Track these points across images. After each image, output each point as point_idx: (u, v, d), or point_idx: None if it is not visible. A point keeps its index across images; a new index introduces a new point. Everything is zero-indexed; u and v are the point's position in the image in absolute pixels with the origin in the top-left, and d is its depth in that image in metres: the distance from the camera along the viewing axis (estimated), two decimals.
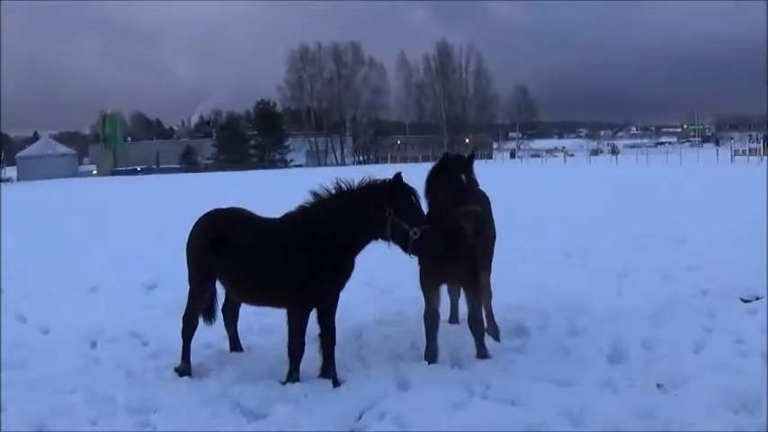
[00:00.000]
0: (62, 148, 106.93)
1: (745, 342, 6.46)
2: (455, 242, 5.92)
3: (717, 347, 6.34)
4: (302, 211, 5.94)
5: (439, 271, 6.20)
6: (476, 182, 6.02)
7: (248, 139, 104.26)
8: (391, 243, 5.73)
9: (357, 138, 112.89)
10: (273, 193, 21.19)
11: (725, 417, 4.94)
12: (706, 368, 5.78)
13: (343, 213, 5.69)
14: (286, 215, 6.08)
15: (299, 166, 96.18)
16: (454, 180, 5.87)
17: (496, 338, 6.83)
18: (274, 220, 6.18)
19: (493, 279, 7.03)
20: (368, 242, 5.84)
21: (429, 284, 6.32)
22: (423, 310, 6.35)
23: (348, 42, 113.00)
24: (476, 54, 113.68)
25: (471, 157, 6.19)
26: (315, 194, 5.90)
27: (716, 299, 8.01)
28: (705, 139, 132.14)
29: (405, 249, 5.69)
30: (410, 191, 5.73)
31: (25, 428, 5.15)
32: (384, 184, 5.71)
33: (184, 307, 6.43)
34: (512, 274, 8.85)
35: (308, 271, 5.73)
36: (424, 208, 5.90)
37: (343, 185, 5.81)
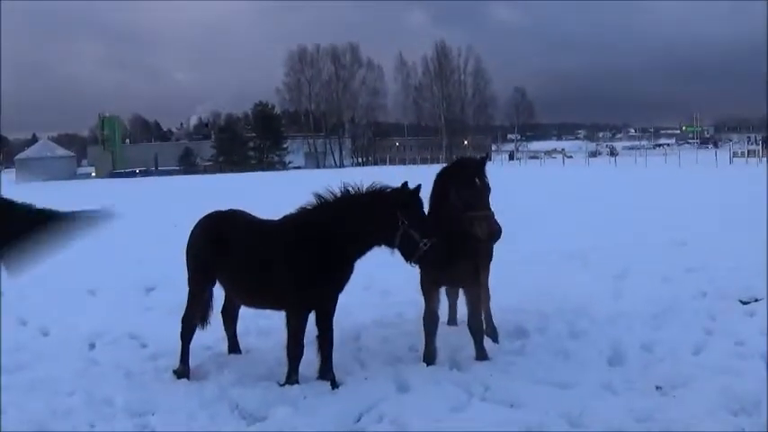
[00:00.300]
0: (61, 151, 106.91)
1: (744, 344, 6.46)
2: (457, 244, 5.92)
3: (716, 349, 6.35)
4: (309, 213, 5.93)
5: (440, 273, 6.19)
6: (489, 186, 6.00)
7: (247, 141, 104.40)
8: (395, 251, 5.74)
9: (356, 139, 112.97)
10: (273, 194, 21.19)
11: (724, 419, 4.94)
12: (706, 370, 5.78)
13: (353, 218, 5.69)
14: (292, 217, 6.07)
15: (298, 167, 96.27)
16: (468, 183, 5.87)
17: (495, 340, 6.83)
18: (276, 221, 6.18)
19: (491, 280, 7.02)
20: (372, 247, 5.84)
21: (429, 286, 6.32)
22: (422, 312, 6.35)
23: (346, 44, 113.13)
24: (474, 56, 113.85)
25: (484, 161, 6.17)
26: (322, 197, 5.87)
27: (715, 301, 8.02)
28: (704, 141, 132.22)
29: (408, 258, 5.70)
30: (422, 202, 5.76)
31: (25, 430, 5.15)
32: (399, 193, 5.67)
33: (184, 309, 6.43)
34: (511, 276, 8.84)
35: (310, 273, 5.74)
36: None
37: (351, 189, 5.80)
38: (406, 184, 5.67)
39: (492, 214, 5.84)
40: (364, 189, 5.77)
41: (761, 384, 5.29)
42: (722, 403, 5.12)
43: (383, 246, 5.78)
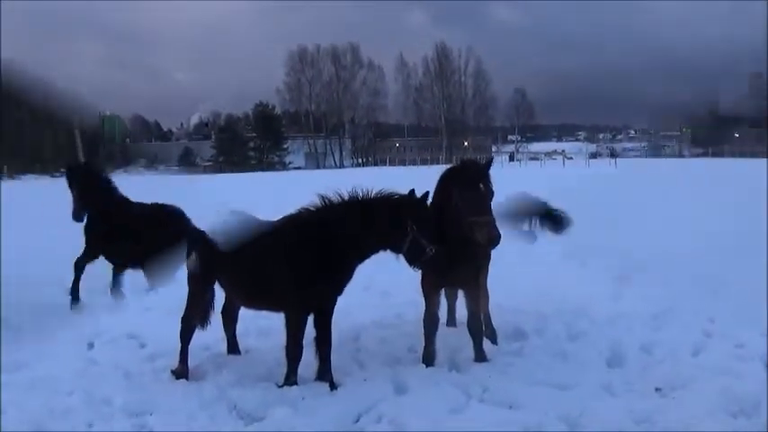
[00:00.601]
0: None
1: (744, 346, 6.47)
2: (459, 247, 5.92)
3: (716, 351, 6.35)
4: (313, 215, 5.92)
5: (441, 275, 6.19)
6: (492, 191, 5.99)
7: (247, 141, 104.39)
8: (400, 255, 5.76)
9: (356, 140, 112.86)
10: (274, 195, 21.17)
11: (724, 420, 4.95)
12: (705, 372, 5.79)
13: (361, 222, 5.70)
14: (293, 217, 6.06)
15: (298, 168, 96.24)
16: (471, 187, 5.86)
17: (494, 342, 6.83)
18: (278, 222, 6.16)
19: (490, 281, 7.02)
20: (378, 251, 5.85)
21: (430, 288, 6.32)
22: (421, 314, 6.35)
23: (347, 44, 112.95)
24: (474, 57, 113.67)
25: (489, 165, 6.16)
26: (329, 201, 5.86)
27: (715, 302, 8.01)
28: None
29: (411, 263, 5.74)
30: (430, 210, 5.81)
31: (24, 429, 5.15)
32: (411, 201, 5.70)
33: (184, 309, 6.42)
34: (510, 277, 8.83)
35: (312, 275, 5.73)
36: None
37: (361, 194, 5.81)
38: (413, 191, 5.69)
39: (493, 220, 5.84)
40: (373, 194, 5.79)
41: (760, 386, 5.30)
42: (722, 405, 5.13)
43: (388, 250, 5.81)
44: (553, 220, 7.36)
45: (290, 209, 6.09)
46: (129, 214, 9.31)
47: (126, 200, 9.66)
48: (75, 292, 9.06)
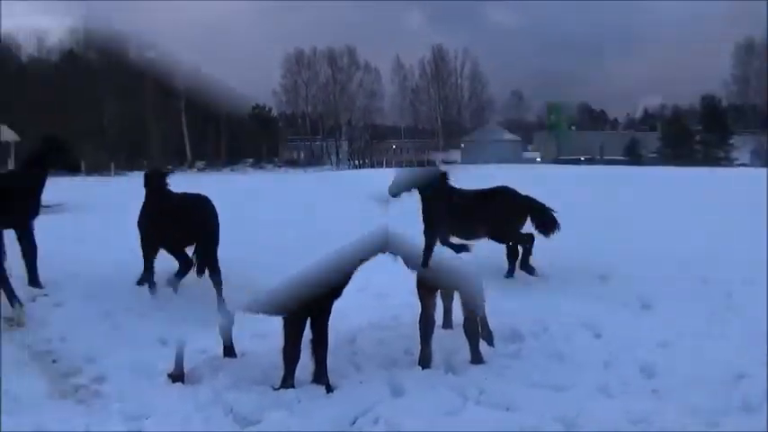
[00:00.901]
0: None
1: (744, 346, 6.46)
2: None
3: (715, 351, 6.34)
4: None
5: (437, 276, 6.18)
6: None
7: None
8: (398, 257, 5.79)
9: (353, 142, 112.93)
10: (274, 196, 21.14)
11: (723, 420, 4.94)
12: (704, 372, 5.78)
13: None
14: None
15: None
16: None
17: (490, 343, 6.81)
18: None
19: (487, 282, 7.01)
20: (377, 254, 5.85)
21: (426, 290, 6.31)
22: (417, 315, 6.34)
23: (343, 46, 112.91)
24: (471, 58, 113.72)
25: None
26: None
27: (716, 302, 8.01)
28: None
29: (409, 264, 5.73)
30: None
31: (24, 430, 5.13)
32: None
33: None
34: (507, 278, 8.83)
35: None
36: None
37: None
38: None
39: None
40: None
41: (760, 386, 5.29)
42: (721, 404, 5.12)
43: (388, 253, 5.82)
44: (544, 218, 7.41)
45: None
46: (162, 205, 9.22)
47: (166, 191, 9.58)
48: (149, 281, 8.99)
